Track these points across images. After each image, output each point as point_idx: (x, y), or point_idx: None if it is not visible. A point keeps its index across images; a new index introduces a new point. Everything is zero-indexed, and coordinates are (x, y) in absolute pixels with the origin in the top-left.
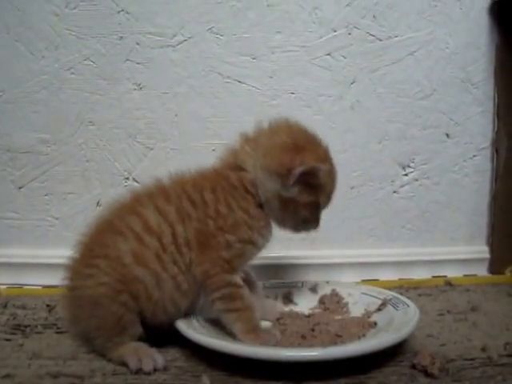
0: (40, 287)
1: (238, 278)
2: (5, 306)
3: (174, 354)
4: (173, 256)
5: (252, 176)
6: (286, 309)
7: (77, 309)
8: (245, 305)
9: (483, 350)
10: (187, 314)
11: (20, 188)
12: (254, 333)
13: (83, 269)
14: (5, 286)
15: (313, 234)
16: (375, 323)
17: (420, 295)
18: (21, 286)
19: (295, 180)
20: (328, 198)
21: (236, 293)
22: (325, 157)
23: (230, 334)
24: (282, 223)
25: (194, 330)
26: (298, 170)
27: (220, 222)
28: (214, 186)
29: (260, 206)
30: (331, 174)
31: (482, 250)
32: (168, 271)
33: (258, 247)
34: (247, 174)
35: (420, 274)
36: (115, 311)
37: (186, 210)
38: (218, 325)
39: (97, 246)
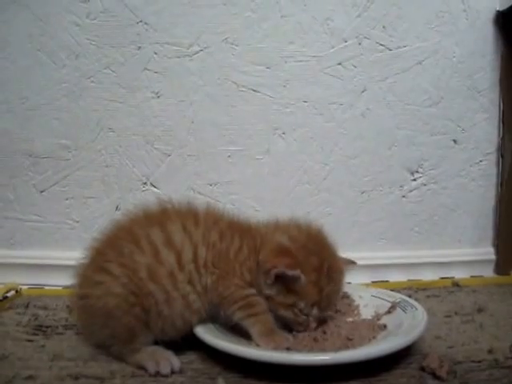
0: (61, 288)
1: (251, 290)
2: (26, 307)
3: (189, 356)
4: (190, 275)
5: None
6: None
7: (89, 318)
8: (261, 309)
9: (490, 352)
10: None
11: (42, 192)
12: (270, 335)
13: (94, 275)
14: (26, 287)
15: None
16: (385, 326)
17: (428, 296)
18: (42, 286)
19: (272, 281)
20: (317, 309)
21: (252, 300)
22: (315, 268)
23: (246, 337)
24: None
25: (210, 334)
26: (273, 272)
27: (240, 257)
28: (242, 239)
29: None
30: (318, 285)
31: (488, 252)
32: (179, 290)
33: None
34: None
35: (428, 276)
36: (127, 322)
37: (213, 239)
38: (233, 329)
39: (111, 252)
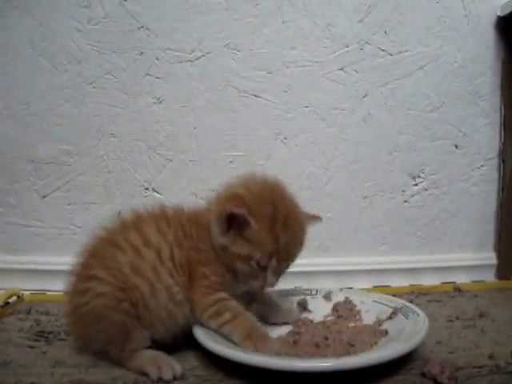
0: (62, 293)
1: (221, 294)
2: (28, 312)
3: (192, 362)
4: (170, 270)
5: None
6: (301, 316)
7: (83, 328)
8: (234, 314)
9: (491, 357)
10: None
11: (44, 197)
12: (249, 339)
13: (80, 285)
14: (28, 292)
15: (325, 242)
16: (386, 331)
17: (430, 301)
18: (44, 291)
19: (224, 224)
20: (275, 260)
21: (222, 307)
22: (268, 215)
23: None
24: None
25: (212, 340)
26: (223, 214)
27: (199, 256)
28: (198, 223)
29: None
30: (272, 232)
31: (490, 257)
32: (163, 282)
33: (232, 284)
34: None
35: (430, 281)
36: (118, 319)
37: (180, 238)
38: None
39: (93, 261)
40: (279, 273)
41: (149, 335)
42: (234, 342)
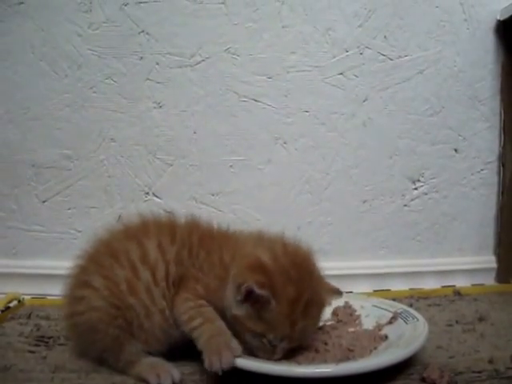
0: (63, 298)
1: (201, 301)
2: (29, 317)
3: (191, 368)
4: (163, 291)
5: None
6: None
7: (78, 335)
8: (204, 321)
9: (490, 362)
10: None
11: (44, 202)
12: (214, 349)
13: (76, 290)
14: (29, 297)
15: (325, 246)
16: (386, 336)
17: (429, 305)
18: (44, 296)
19: (242, 297)
20: (286, 342)
21: (196, 313)
22: (290, 298)
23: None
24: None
25: None
26: (244, 287)
27: (198, 276)
28: (210, 252)
29: None
30: (290, 318)
31: (490, 260)
32: (157, 305)
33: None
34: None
35: (429, 284)
36: (111, 333)
37: (183, 257)
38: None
39: (92, 265)
40: (288, 350)
41: (142, 348)
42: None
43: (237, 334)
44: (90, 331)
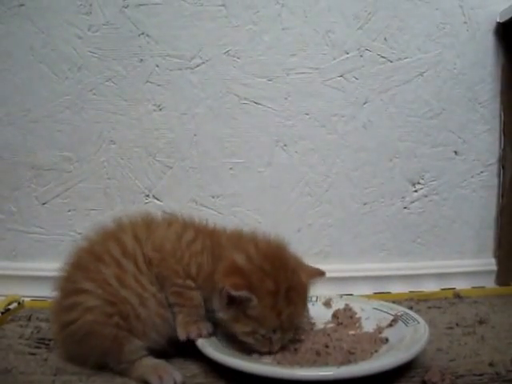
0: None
1: (189, 282)
2: (29, 319)
3: (193, 370)
4: (148, 276)
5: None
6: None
7: (75, 345)
8: (189, 303)
9: (491, 365)
10: None
11: (44, 204)
12: (188, 326)
13: (66, 300)
14: (29, 299)
15: (325, 249)
16: (387, 339)
17: (430, 308)
18: (44, 298)
19: (225, 302)
20: (279, 333)
21: (184, 292)
22: (271, 291)
23: (248, 350)
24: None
25: (212, 348)
26: (224, 292)
27: (193, 249)
28: (198, 234)
29: None
30: (275, 309)
31: (490, 263)
32: (148, 290)
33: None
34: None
35: (429, 287)
36: (109, 333)
37: (159, 233)
38: (235, 342)
39: (78, 272)
40: (284, 338)
41: (142, 345)
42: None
43: (231, 336)
44: (86, 336)
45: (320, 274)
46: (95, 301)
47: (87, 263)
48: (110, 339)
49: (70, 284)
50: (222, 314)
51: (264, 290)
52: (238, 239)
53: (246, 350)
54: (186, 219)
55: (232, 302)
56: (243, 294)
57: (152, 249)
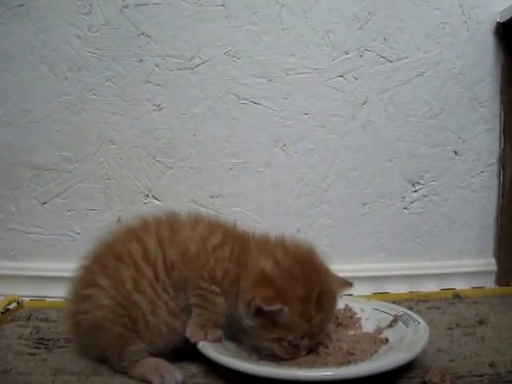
0: (62, 300)
1: (214, 287)
2: (28, 319)
3: (192, 370)
4: (163, 284)
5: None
6: None
7: (81, 334)
8: (211, 308)
9: (491, 365)
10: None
11: (43, 204)
12: (200, 329)
13: (82, 290)
14: (28, 299)
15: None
16: (387, 340)
17: (429, 308)
18: (43, 298)
19: (252, 313)
20: (307, 339)
21: (208, 296)
22: (300, 297)
23: (248, 350)
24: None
25: (212, 348)
26: (253, 305)
27: (219, 254)
28: (226, 238)
29: None
30: (305, 315)
31: (490, 263)
32: (161, 299)
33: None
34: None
35: (429, 287)
36: (116, 332)
37: (184, 236)
38: (236, 342)
39: (97, 266)
40: (311, 346)
41: (145, 348)
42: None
43: (255, 342)
44: (94, 329)
45: (349, 284)
46: (107, 300)
47: (107, 260)
48: (116, 336)
49: (89, 275)
50: (248, 321)
51: (294, 296)
52: (266, 244)
53: (267, 356)
54: (213, 220)
55: (259, 312)
56: (275, 307)
57: (175, 252)
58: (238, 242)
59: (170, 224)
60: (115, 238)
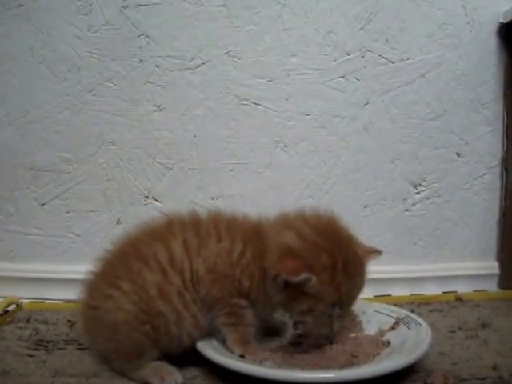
0: (61, 302)
1: (243, 302)
2: (27, 321)
3: (193, 372)
4: (192, 295)
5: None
6: None
7: (95, 329)
8: (244, 322)
9: (494, 368)
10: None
11: (43, 205)
12: (244, 345)
13: (104, 288)
14: (27, 300)
15: None
16: (389, 342)
17: (431, 311)
18: (43, 300)
19: (282, 286)
20: (338, 308)
21: (238, 311)
22: (327, 265)
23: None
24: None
25: (213, 350)
26: (282, 278)
27: (243, 262)
28: (246, 242)
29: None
30: (334, 283)
31: (492, 266)
32: (189, 310)
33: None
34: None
35: (431, 290)
36: (135, 339)
37: (209, 246)
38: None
39: (121, 268)
40: (344, 316)
41: (158, 354)
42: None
43: (294, 325)
44: (112, 329)
45: (377, 252)
46: (130, 305)
47: (131, 262)
48: (134, 344)
49: (111, 274)
50: (277, 297)
51: (319, 265)
52: (285, 219)
53: (302, 338)
54: (230, 220)
55: (289, 284)
56: (302, 277)
57: (205, 269)
58: (256, 237)
59: (194, 227)
60: (138, 239)
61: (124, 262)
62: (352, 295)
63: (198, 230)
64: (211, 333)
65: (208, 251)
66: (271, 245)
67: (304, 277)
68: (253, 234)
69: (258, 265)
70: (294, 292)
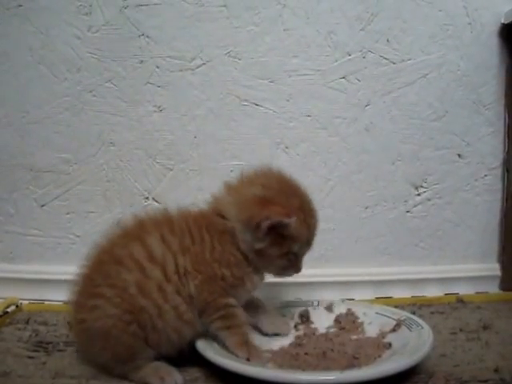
0: (61, 303)
1: (232, 300)
2: (27, 322)
3: (193, 373)
4: (177, 286)
5: (233, 225)
6: (304, 328)
7: (88, 342)
8: (238, 322)
9: (496, 371)
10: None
11: (42, 206)
12: (246, 346)
13: (87, 300)
14: (27, 302)
15: (326, 253)
16: (390, 344)
17: (433, 313)
18: (42, 301)
19: (264, 233)
20: (306, 246)
21: (231, 312)
22: (298, 207)
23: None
24: (263, 270)
25: (213, 351)
26: (265, 224)
27: (216, 255)
28: (209, 226)
29: (243, 253)
30: (305, 222)
31: (494, 268)
32: (170, 302)
33: (246, 289)
34: (228, 223)
35: (432, 292)
36: (125, 341)
37: (187, 245)
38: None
39: (99, 276)
40: (305, 254)
41: (153, 354)
42: (226, 347)
43: (266, 264)
44: (103, 337)
45: None
46: (114, 309)
47: (108, 267)
48: (125, 347)
49: (91, 285)
50: (258, 245)
51: (294, 207)
52: (241, 182)
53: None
54: (196, 213)
55: (271, 230)
56: (292, 219)
57: (190, 265)
58: (215, 225)
59: (169, 225)
60: (112, 243)
61: (101, 270)
62: (315, 231)
63: (172, 227)
64: (210, 335)
65: (193, 252)
66: (240, 202)
67: (287, 221)
68: (209, 219)
69: (225, 246)
70: (275, 236)
